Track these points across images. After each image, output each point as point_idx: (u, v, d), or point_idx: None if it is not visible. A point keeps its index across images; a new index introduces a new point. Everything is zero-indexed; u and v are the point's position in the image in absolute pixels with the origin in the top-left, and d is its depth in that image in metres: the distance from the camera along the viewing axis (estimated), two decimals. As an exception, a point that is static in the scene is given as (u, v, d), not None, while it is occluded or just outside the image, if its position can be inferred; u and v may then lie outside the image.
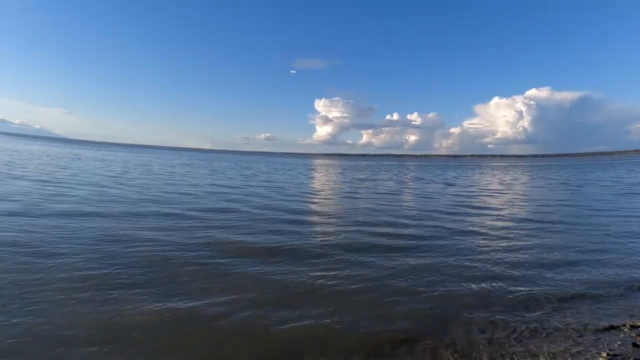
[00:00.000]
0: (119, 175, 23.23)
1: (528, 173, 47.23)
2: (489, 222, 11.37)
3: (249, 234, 8.92)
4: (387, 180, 30.74)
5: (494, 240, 9.02)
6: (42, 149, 60.26)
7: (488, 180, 31.62)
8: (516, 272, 6.62)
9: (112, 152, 78.19)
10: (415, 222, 11.15)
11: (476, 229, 10.32)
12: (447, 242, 8.68)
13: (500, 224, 11.19)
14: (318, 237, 8.91)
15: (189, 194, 15.99)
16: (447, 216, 12.32)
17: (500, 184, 27.90)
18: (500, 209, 14.21)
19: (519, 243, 8.68)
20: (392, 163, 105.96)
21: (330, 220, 11.32)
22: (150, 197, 14.80)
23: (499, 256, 7.62)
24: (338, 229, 10.01)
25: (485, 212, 13.55)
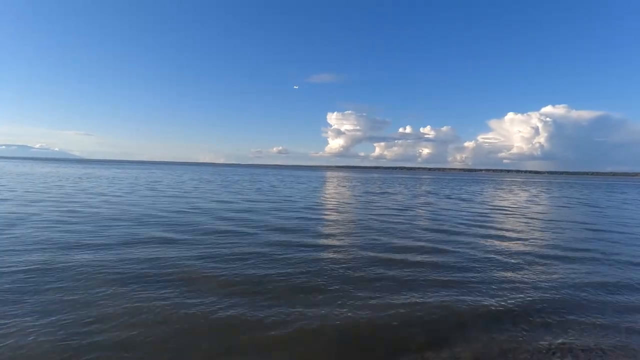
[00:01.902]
0: (115, 194, 22.60)
1: (549, 190, 44.83)
2: (530, 260, 8.62)
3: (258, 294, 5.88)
4: (401, 194, 29.19)
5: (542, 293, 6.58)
6: (52, 170, 59.86)
7: (509, 197, 29.66)
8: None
9: (124, 170, 79.31)
10: (437, 249, 9.72)
11: (519, 276, 7.40)
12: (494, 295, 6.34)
13: (543, 263, 8.43)
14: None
15: (179, 218, 13.87)
16: (479, 254, 9.77)
17: (526, 201, 25.98)
18: (534, 237, 12.39)
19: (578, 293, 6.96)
20: (405, 176, 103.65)
21: (347, 249, 9.76)
22: (135, 217, 13.90)
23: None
24: (357, 263, 7.88)
25: (520, 243, 11.12)
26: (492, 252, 9.33)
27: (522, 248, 9.90)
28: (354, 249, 9.09)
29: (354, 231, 11.66)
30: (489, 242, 10.65)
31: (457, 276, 7.11)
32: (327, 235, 10.87)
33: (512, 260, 8.46)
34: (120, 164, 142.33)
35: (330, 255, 8.47)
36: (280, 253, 8.43)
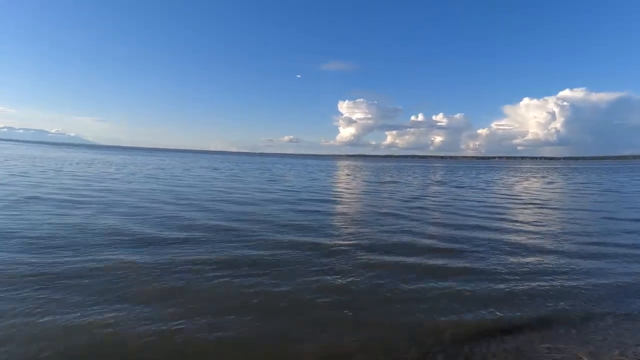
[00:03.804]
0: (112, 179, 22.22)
1: (568, 176, 42.89)
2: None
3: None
4: (412, 185, 28.13)
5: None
6: (60, 155, 61.21)
7: (530, 186, 28.24)
8: None
9: (132, 157, 79.86)
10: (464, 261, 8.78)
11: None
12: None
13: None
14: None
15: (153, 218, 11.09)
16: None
17: (544, 190, 24.62)
18: (564, 235, 11.48)
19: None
20: (416, 164, 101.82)
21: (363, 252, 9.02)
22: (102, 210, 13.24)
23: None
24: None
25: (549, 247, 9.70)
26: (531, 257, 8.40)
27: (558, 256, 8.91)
28: (370, 253, 8.25)
29: (367, 229, 10.80)
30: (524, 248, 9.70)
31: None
32: (338, 232, 10.09)
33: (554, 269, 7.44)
34: (133, 151, 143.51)
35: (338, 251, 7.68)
36: (283, 256, 7.66)
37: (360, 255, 7.33)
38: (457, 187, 25.37)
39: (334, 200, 16.60)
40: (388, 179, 33.45)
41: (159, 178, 24.93)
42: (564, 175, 47.90)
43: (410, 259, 7.17)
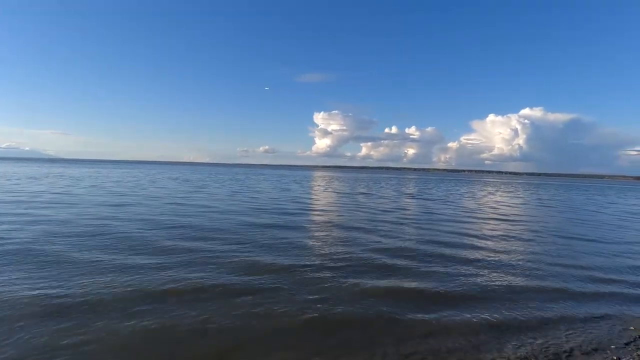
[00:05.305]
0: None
1: (534, 192, 45.07)
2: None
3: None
4: (386, 197, 28.29)
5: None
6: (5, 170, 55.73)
7: (498, 200, 29.24)
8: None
9: (94, 169, 75.37)
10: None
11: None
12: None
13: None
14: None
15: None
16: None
17: (511, 206, 25.54)
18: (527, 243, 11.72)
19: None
20: (391, 175, 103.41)
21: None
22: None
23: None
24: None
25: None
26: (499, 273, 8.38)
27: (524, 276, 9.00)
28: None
29: (336, 257, 10.45)
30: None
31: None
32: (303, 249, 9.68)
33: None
34: (96, 163, 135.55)
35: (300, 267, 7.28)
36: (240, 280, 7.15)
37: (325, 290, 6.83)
38: (427, 199, 25.70)
39: (302, 225, 16.14)
40: (362, 190, 33.43)
41: (114, 192, 23.40)
42: (529, 191, 50.30)
43: (368, 281, 6.87)
